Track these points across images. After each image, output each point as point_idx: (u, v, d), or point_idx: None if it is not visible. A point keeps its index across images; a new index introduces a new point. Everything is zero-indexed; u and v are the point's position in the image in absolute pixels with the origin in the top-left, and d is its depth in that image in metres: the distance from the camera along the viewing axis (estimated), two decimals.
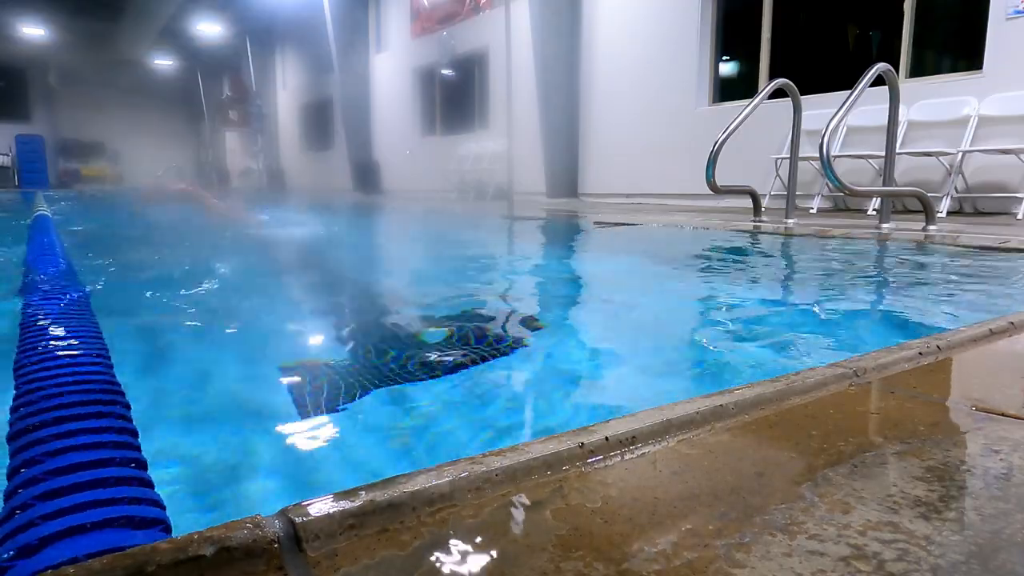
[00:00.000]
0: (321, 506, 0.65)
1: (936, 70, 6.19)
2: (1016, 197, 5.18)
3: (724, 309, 2.50)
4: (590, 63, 9.30)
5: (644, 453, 0.82)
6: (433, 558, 0.60)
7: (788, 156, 5.40)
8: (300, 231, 6.69)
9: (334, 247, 5.50)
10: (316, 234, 6.50)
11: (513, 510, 0.68)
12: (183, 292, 2.92)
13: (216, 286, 3.19)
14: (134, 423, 1.14)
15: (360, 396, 1.47)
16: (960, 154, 5.41)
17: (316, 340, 2.23)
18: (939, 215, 4.83)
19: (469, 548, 0.62)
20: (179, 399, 1.53)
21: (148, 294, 2.85)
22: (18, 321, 1.84)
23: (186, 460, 1.18)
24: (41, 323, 1.75)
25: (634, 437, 0.85)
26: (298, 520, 0.63)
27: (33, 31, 19.20)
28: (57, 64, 20.19)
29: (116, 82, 20.55)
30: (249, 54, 19.48)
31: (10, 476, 0.94)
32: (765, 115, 5.29)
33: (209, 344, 2.05)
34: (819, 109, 5.79)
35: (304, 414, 1.38)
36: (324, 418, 1.37)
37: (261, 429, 1.34)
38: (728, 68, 8.24)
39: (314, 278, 3.72)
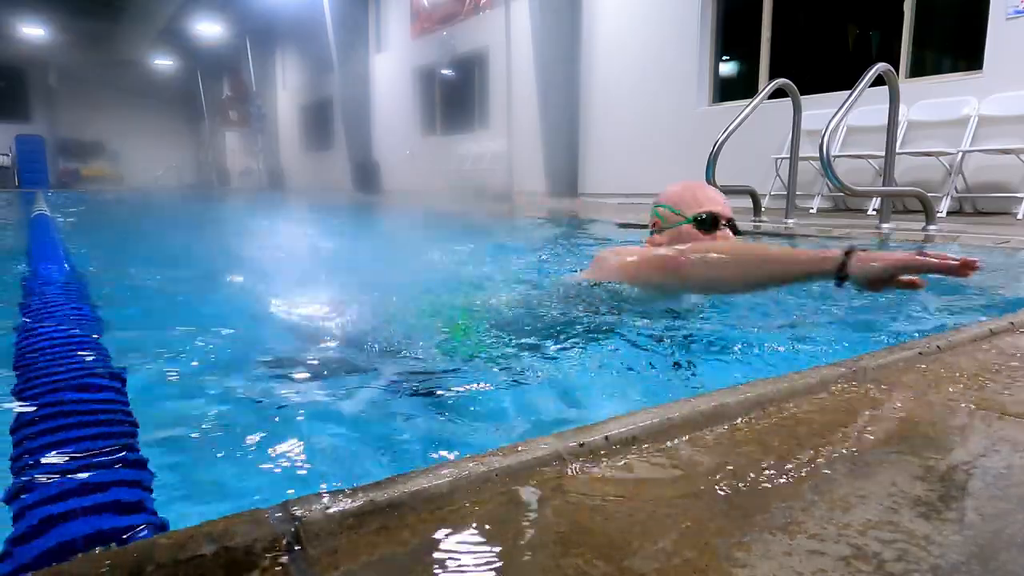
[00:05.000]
0: (322, 504, 0.65)
1: (936, 70, 6.19)
2: (1016, 197, 5.18)
3: (726, 307, 2.49)
4: (590, 63, 9.30)
5: (644, 452, 0.82)
6: (433, 556, 0.60)
7: (788, 156, 5.40)
8: None
9: None
10: None
11: (513, 509, 0.68)
12: None
13: None
14: None
15: None
16: (960, 154, 5.42)
17: None
18: (939, 215, 4.83)
19: (469, 546, 0.62)
20: None
21: None
22: None
23: None
24: None
25: (634, 437, 0.84)
26: (299, 518, 0.63)
27: (33, 31, 19.21)
28: (57, 64, 20.19)
29: (116, 82, 20.54)
30: (249, 54, 19.48)
31: None
32: (765, 115, 5.29)
33: None
34: (819, 109, 5.79)
35: None
36: None
37: None
38: (728, 68, 8.24)
39: None
